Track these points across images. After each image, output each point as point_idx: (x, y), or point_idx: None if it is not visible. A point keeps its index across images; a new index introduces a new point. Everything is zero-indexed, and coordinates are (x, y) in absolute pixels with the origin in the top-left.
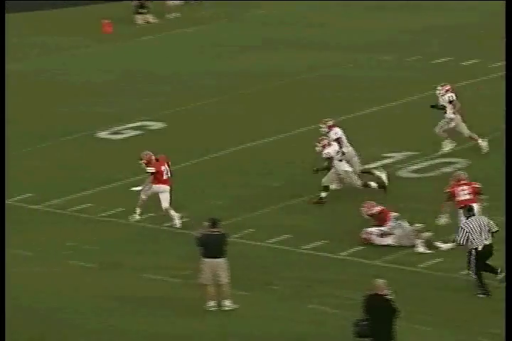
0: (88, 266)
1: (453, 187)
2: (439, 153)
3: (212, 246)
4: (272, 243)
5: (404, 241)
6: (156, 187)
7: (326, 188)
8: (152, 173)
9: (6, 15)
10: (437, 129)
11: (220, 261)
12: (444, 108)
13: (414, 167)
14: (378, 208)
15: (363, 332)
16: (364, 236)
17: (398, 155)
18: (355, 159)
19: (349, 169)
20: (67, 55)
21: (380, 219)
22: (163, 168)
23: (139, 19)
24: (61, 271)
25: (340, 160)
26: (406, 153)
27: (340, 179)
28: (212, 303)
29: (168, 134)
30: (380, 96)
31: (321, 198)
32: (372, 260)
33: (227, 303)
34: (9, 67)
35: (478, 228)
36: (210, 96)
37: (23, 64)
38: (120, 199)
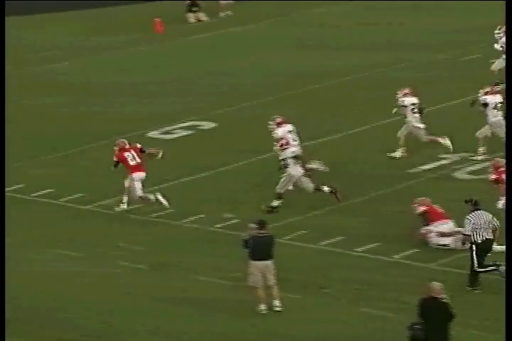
0: (138, 267)
1: (498, 174)
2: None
3: (261, 249)
4: (324, 245)
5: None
6: (133, 176)
7: (280, 196)
8: (116, 162)
9: (57, 14)
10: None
11: (269, 264)
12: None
13: (471, 168)
14: (423, 207)
15: (417, 336)
16: (423, 232)
17: (454, 157)
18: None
19: (300, 173)
20: (119, 54)
21: (426, 219)
22: (126, 154)
23: (191, 18)
24: (111, 272)
25: (295, 164)
26: (462, 154)
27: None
28: (263, 306)
29: (219, 134)
30: (435, 96)
31: (272, 207)
32: (427, 263)
33: (277, 305)
34: (59, 66)
35: (483, 222)
36: (261, 96)
37: (74, 63)
38: (171, 200)
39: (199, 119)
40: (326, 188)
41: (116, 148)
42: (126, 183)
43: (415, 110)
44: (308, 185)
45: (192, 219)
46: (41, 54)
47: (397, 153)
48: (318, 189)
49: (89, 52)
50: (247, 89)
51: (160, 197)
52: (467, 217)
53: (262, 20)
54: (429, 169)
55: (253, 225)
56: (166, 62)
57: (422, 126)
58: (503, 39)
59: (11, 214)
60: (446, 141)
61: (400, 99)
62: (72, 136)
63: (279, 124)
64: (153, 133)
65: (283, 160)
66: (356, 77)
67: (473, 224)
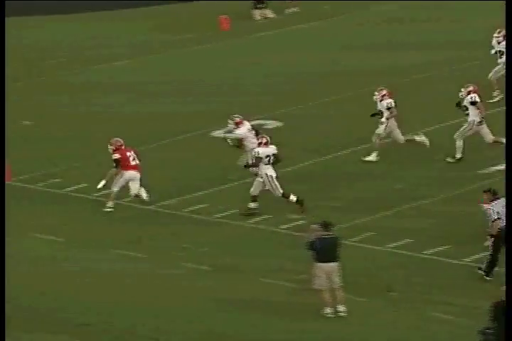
0: (202, 269)
1: None
2: None
3: (326, 250)
4: (392, 247)
5: None
6: (127, 174)
7: (255, 198)
8: (116, 160)
9: (122, 10)
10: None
11: (334, 266)
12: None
13: None
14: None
15: None
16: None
17: None
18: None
19: (273, 174)
20: (183, 52)
21: None
22: (128, 153)
23: (257, 15)
24: (174, 273)
25: (267, 164)
26: None
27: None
28: (328, 310)
29: (285, 133)
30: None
31: (249, 208)
32: (499, 266)
33: (342, 308)
34: (120, 64)
35: (501, 212)
36: (328, 95)
37: (136, 61)
38: (236, 200)
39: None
40: (292, 197)
41: (111, 147)
42: (115, 188)
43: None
44: (278, 190)
45: (257, 219)
46: (102, 52)
47: (372, 157)
48: (285, 196)
49: (152, 50)
50: (312, 88)
51: (143, 194)
52: (489, 207)
53: (328, 17)
54: (498, 170)
55: (317, 226)
56: (232, 59)
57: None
58: (503, 43)
59: (72, 214)
60: (422, 138)
61: (387, 101)
62: (135, 136)
63: (238, 124)
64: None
65: (258, 158)
66: (422, 76)
67: (497, 213)
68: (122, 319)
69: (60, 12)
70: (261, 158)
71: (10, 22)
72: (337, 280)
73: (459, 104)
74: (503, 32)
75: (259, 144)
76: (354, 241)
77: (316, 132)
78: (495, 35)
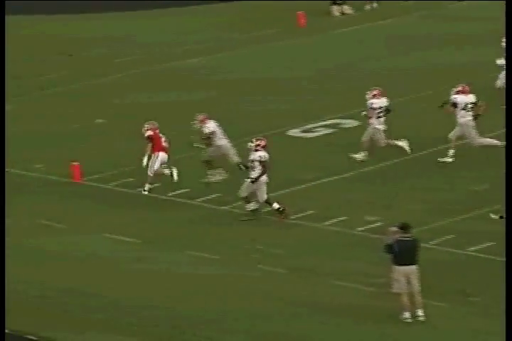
0: (276, 271)
1: None
2: None
3: (405, 253)
4: (472, 251)
5: None
6: (161, 155)
7: (247, 199)
8: (149, 137)
9: (195, 7)
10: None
11: (414, 269)
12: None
13: None
14: None
15: None
16: None
17: None
18: (232, 152)
19: (265, 179)
20: (258, 49)
21: None
22: (160, 135)
23: (335, 10)
24: (249, 276)
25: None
26: None
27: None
28: (407, 314)
29: (362, 132)
30: None
31: (252, 211)
32: None
33: (420, 313)
34: (197, 61)
35: None
36: (405, 93)
37: (213, 58)
38: (312, 200)
39: (341, 117)
40: (275, 205)
41: (146, 127)
42: (147, 162)
43: (381, 114)
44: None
45: (333, 221)
46: (180, 49)
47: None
48: (268, 202)
49: (228, 46)
50: (390, 86)
51: (175, 173)
52: None
53: (409, 13)
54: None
55: (394, 229)
56: (308, 57)
57: (382, 128)
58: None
59: (144, 215)
60: (404, 143)
61: (369, 101)
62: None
63: (202, 121)
64: (294, 132)
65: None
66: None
67: None
68: (193, 321)
69: (130, 9)
70: (267, 161)
71: (79, 18)
72: (416, 284)
73: (443, 105)
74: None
75: (259, 147)
76: (433, 245)
77: (396, 131)
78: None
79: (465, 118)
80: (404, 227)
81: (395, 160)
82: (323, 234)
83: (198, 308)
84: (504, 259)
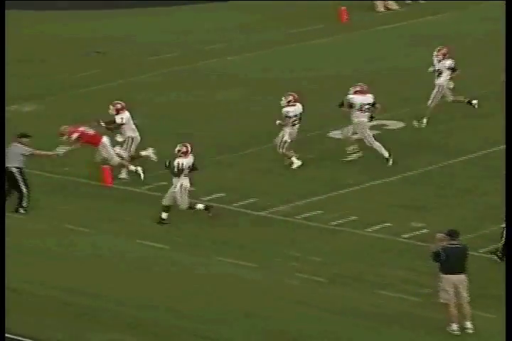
0: (316, 280)
1: None
2: None
3: (454, 261)
4: None
5: None
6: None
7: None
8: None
9: (236, 2)
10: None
11: (462, 277)
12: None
13: None
14: None
15: None
16: None
17: None
18: (134, 147)
19: (188, 185)
20: (298, 47)
21: None
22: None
23: (380, 6)
24: (286, 284)
25: (186, 175)
26: None
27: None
28: (455, 326)
29: (407, 134)
30: None
31: (162, 219)
32: None
33: (469, 325)
34: (234, 58)
35: None
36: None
37: (248, 57)
38: (354, 206)
39: (386, 118)
40: (200, 206)
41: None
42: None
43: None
44: (185, 202)
45: (377, 227)
46: (210, 47)
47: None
48: (192, 207)
49: (268, 44)
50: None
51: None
52: None
53: (457, 8)
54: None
55: (442, 235)
56: (350, 54)
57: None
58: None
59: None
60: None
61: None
62: (248, 135)
63: (118, 110)
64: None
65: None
66: None
67: None
68: (227, 329)
69: (170, 4)
70: (183, 169)
71: (106, 15)
72: (464, 294)
73: (342, 104)
74: (444, 50)
75: (180, 153)
76: (482, 252)
77: (443, 133)
78: (435, 53)
79: (359, 118)
80: (451, 234)
81: (441, 164)
82: (365, 240)
83: (232, 313)
84: None
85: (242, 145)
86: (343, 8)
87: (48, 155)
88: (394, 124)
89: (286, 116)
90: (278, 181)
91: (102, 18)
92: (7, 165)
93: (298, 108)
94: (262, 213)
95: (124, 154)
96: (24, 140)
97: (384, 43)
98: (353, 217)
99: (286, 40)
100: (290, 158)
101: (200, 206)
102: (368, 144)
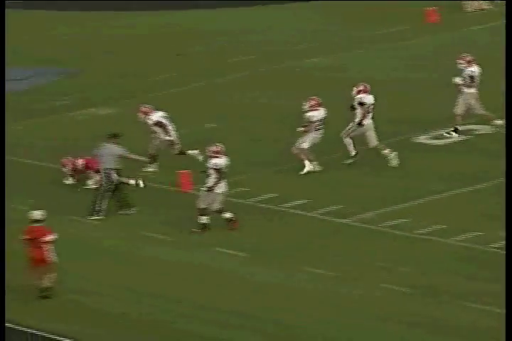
0: (401, 290)
1: None
2: None
3: None
4: None
5: None
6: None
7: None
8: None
9: (317, 1)
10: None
11: None
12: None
13: None
14: None
15: None
16: None
17: None
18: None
19: (221, 190)
20: (386, 48)
21: None
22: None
23: (470, 5)
24: (369, 295)
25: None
26: None
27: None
28: None
29: (498, 138)
30: None
31: (203, 224)
32: None
33: None
34: (315, 61)
35: None
36: None
37: (333, 57)
38: (443, 213)
39: (476, 123)
40: (228, 215)
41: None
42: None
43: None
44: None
45: (465, 236)
46: (294, 47)
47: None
48: (220, 211)
49: (352, 45)
50: None
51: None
52: None
53: None
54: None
55: None
56: (440, 56)
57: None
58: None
59: (255, 227)
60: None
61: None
62: (331, 141)
63: (147, 113)
64: (422, 138)
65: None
66: None
67: None
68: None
69: (252, 4)
70: (218, 169)
71: (199, 14)
72: None
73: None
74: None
75: (213, 152)
76: None
77: None
78: (459, 61)
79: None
80: None
81: None
82: (453, 250)
83: (314, 324)
84: None
85: (324, 151)
86: (430, 8)
87: (139, 160)
88: (485, 129)
89: (310, 121)
90: (361, 187)
91: (185, 17)
92: (104, 167)
93: (321, 112)
94: (345, 221)
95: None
96: (115, 140)
97: (475, 44)
98: (442, 226)
99: (372, 40)
100: (303, 160)
101: (227, 215)
102: (342, 135)
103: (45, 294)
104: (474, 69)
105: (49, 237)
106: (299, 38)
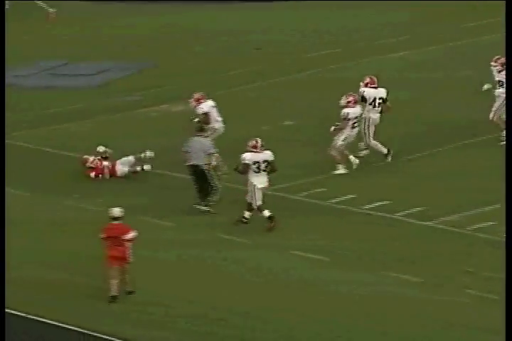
0: (489, 297)
1: None
2: None
3: None
4: None
5: None
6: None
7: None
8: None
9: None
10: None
11: None
12: None
13: None
14: None
15: None
16: None
17: None
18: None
19: (260, 185)
20: (469, 43)
21: None
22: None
23: None
24: (455, 301)
25: (256, 172)
26: None
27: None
28: None
29: None
30: None
31: (244, 218)
32: None
33: None
34: (394, 56)
35: None
36: None
37: (413, 53)
38: None
39: None
40: (266, 212)
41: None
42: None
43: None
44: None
45: None
46: (377, 42)
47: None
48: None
49: (433, 41)
50: None
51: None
52: None
53: None
54: None
55: None
56: None
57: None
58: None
59: (337, 230)
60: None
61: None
62: (417, 140)
63: (198, 100)
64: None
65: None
66: None
67: None
68: None
69: None
70: (248, 164)
71: (272, 6)
72: None
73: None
74: (502, 59)
75: (250, 147)
76: None
77: None
78: (492, 63)
79: (369, 113)
80: None
81: None
82: None
83: (397, 333)
84: None
85: (407, 150)
86: None
87: (218, 159)
88: None
89: (345, 118)
90: (446, 188)
91: (258, 10)
92: (195, 163)
93: (358, 110)
94: (429, 223)
95: None
96: (203, 133)
97: None
98: None
99: (458, 35)
100: (338, 163)
101: (266, 213)
102: (364, 142)
103: (129, 291)
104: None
105: (130, 235)
106: (383, 34)
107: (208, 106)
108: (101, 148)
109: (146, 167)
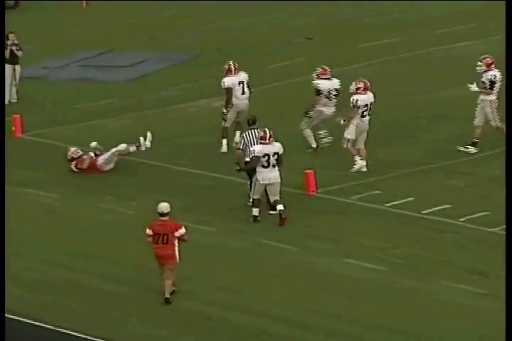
0: None
1: None
2: None
3: None
4: None
5: None
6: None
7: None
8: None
9: None
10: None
11: None
12: None
13: None
14: None
15: None
16: None
17: None
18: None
19: (263, 182)
20: None
21: None
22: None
23: None
24: None
25: (265, 166)
26: None
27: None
28: None
29: None
30: None
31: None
32: None
33: None
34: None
35: None
36: None
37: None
38: None
39: None
40: (280, 207)
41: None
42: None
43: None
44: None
45: None
46: (439, 31)
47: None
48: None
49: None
50: None
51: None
52: None
53: None
54: None
55: None
56: None
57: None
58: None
59: (395, 235)
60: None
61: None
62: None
63: (228, 72)
64: None
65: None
66: None
67: None
68: None
69: None
70: (258, 157)
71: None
72: None
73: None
74: (487, 59)
75: (261, 139)
76: None
77: None
78: (478, 63)
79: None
80: None
81: None
82: None
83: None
84: None
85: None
86: None
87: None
88: None
89: (354, 106)
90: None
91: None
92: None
93: (369, 97)
94: (494, 230)
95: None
96: (256, 126)
97: None
98: None
99: None
100: (354, 156)
101: (255, 212)
102: (301, 127)
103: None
104: (495, 74)
105: (180, 231)
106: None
107: (230, 81)
108: (92, 144)
109: (132, 148)
